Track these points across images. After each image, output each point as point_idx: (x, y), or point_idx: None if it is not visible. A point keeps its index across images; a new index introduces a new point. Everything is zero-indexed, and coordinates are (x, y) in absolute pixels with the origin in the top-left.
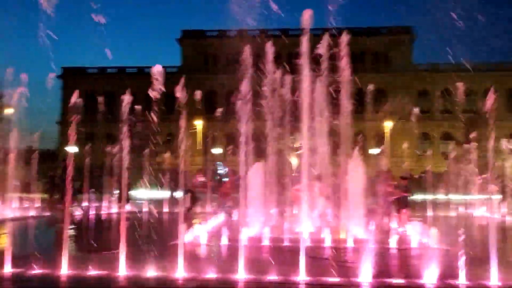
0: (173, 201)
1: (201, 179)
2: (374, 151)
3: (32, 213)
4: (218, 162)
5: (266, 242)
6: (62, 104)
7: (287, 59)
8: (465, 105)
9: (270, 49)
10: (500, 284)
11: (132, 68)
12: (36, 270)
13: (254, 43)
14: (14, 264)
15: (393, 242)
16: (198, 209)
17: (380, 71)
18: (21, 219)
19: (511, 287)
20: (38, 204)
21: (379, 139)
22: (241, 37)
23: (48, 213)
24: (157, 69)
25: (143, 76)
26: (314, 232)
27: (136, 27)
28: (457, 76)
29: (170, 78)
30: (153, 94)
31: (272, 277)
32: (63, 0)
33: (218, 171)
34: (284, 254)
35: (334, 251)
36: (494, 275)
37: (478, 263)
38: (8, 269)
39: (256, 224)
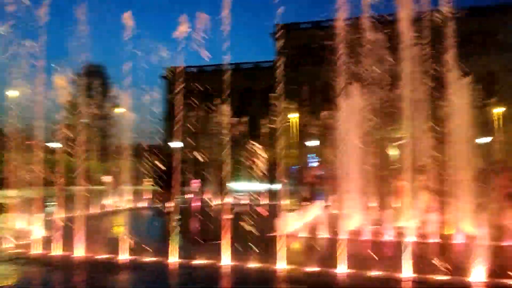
0: (272, 193)
1: (318, 172)
2: (482, 140)
3: (143, 204)
4: (311, 155)
5: (367, 236)
6: (166, 102)
7: (389, 47)
8: None
9: (372, 35)
10: None
11: (231, 65)
12: (148, 258)
13: (350, 31)
14: (131, 251)
15: (506, 239)
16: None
17: (489, 53)
18: (135, 210)
19: None
20: (148, 196)
21: (488, 127)
22: (336, 27)
23: (158, 205)
24: None
25: (238, 73)
26: (419, 227)
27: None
28: None
29: (265, 73)
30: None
31: (375, 272)
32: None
33: (310, 164)
34: (386, 249)
35: (440, 247)
36: None
37: None
38: (125, 256)
39: (355, 217)
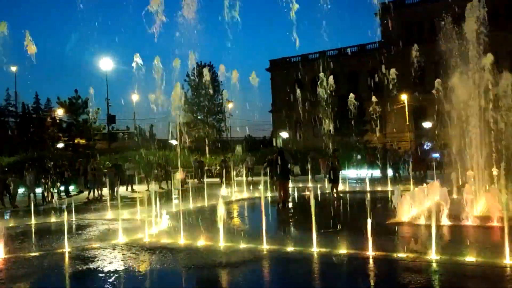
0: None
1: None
2: None
3: (256, 194)
4: (425, 139)
5: (494, 222)
6: (272, 94)
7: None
8: None
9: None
10: None
11: (332, 51)
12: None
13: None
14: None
15: None
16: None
17: None
18: (251, 199)
19: None
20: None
21: None
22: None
23: (270, 194)
24: None
25: (344, 57)
26: None
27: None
28: None
29: (372, 55)
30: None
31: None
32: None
33: (425, 147)
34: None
35: None
36: None
37: None
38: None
39: (480, 201)
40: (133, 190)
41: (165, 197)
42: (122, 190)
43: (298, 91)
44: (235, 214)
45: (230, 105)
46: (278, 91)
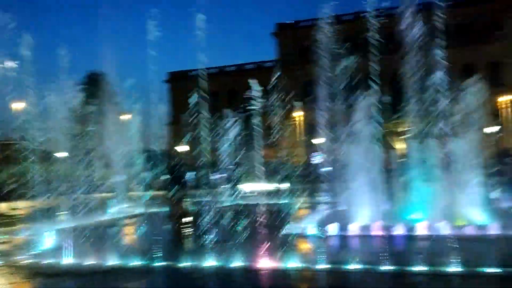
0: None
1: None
2: (490, 129)
3: (153, 209)
4: (315, 153)
5: (376, 232)
6: (170, 106)
7: (386, 39)
8: None
9: (371, 30)
10: None
11: (230, 67)
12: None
13: (351, 28)
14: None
15: None
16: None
17: (492, 42)
18: (144, 215)
19: None
20: (157, 201)
21: (494, 117)
22: (336, 24)
23: (167, 209)
24: None
25: (242, 73)
26: (429, 220)
27: (229, 27)
28: None
29: (267, 73)
30: None
31: (386, 267)
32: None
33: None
34: (395, 244)
35: (452, 239)
36: None
37: None
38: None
39: (365, 214)
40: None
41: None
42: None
43: (197, 104)
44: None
45: (126, 117)
46: (176, 104)
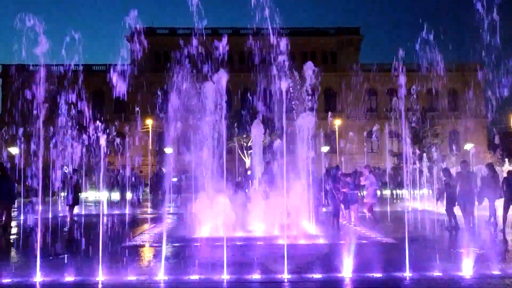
0: (124, 202)
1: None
2: (325, 149)
3: None
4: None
5: (218, 242)
6: (2, 103)
7: (239, 58)
8: (411, 103)
9: (220, 46)
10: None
11: (77, 65)
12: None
13: (205, 41)
14: None
15: (343, 237)
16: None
17: (330, 70)
18: None
19: None
20: None
21: (330, 138)
22: (192, 35)
23: None
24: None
25: (91, 74)
26: (268, 230)
27: (82, 25)
28: (402, 76)
29: (121, 75)
30: None
31: (225, 276)
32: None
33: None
34: (237, 252)
35: (286, 248)
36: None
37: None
38: None
39: (208, 223)
40: None
41: None
42: None
43: (35, 103)
44: None
45: None
46: (11, 101)
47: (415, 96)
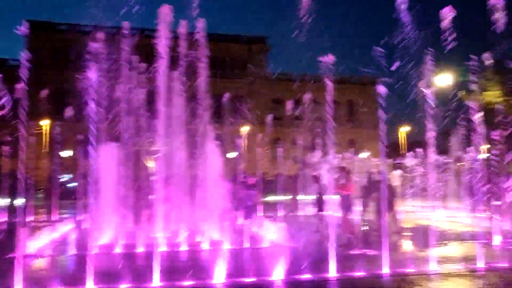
0: (13, 209)
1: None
2: (231, 155)
3: None
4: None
5: (118, 250)
6: None
7: (145, 59)
8: (313, 113)
9: (125, 46)
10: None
11: None
12: None
13: (109, 39)
14: None
15: (246, 242)
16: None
17: (238, 77)
18: None
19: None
20: None
21: (236, 144)
22: (94, 33)
23: None
24: None
25: None
26: (171, 237)
27: None
28: (307, 86)
29: (13, 72)
30: None
31: (124, 285)
32: None
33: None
34: (137, 261)
35: (189, 254)
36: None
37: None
38: None
39: (109, 231)
40: None
41: None
42: None
43: None
44: None
45: None
46: None
47: (317, 105)
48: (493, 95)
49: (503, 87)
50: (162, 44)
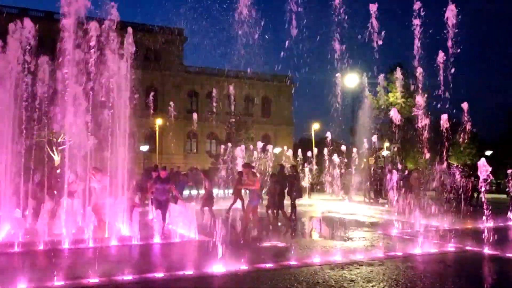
0: None
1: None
2: (144, 147)
3: None
4: None
5: (17, 248)
6: None
7: (52, 44)
8: (228, 108)
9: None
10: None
11: None
12: None
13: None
14: None
15: (156, 238)
16: None
17: (152, 69)
18: None
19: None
20: None
21: (150, 137)
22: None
23: None
24: None
25: None
26: (76, 233)
27: None
28: (223, 80)
29: None
30: None
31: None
32: None
33: None
34: (39, 259)
35: (96, 251)
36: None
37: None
38: None
39: (6, 228)
40: None
41: None
42: None
43: None
44: None
45: None
46: None
47: (232, 100)
48: (394, 96)
49: (403, 89)
50: (66, 31)
